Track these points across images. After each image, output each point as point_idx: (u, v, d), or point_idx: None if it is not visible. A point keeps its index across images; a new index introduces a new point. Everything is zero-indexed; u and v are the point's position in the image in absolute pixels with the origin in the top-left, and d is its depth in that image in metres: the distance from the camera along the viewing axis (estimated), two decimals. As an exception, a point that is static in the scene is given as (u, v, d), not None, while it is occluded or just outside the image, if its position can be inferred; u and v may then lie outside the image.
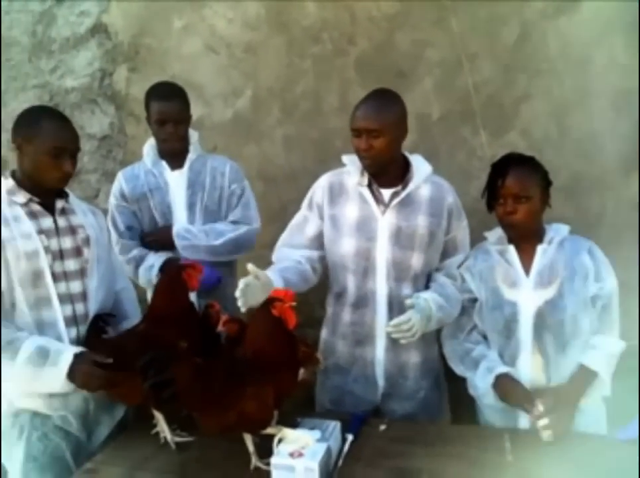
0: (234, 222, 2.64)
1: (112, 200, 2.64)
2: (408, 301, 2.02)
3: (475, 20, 2.80)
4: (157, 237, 2.55)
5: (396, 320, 1.97)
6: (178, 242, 2.50)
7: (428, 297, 2.05)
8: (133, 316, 2.17)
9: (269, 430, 1.68)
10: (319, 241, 2.20)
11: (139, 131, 3.22)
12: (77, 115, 3.37)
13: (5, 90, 3.51)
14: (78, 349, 1.87)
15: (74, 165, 1.94)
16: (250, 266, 1.89)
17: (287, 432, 1.68)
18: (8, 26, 3.51)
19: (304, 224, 2.22)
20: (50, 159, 1.87)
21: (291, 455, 1.60)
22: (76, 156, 1.96)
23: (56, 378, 1.81)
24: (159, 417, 1.92)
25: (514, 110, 2.80)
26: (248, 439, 1.74)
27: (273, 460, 1.60)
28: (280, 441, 1.66)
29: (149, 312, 2.09)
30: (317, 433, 1.70)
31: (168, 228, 2.53)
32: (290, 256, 2.17)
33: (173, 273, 2.10)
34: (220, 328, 1.94)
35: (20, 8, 3.46)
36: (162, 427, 1.91)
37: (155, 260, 2.54)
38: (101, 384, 1.81)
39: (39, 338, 1.84)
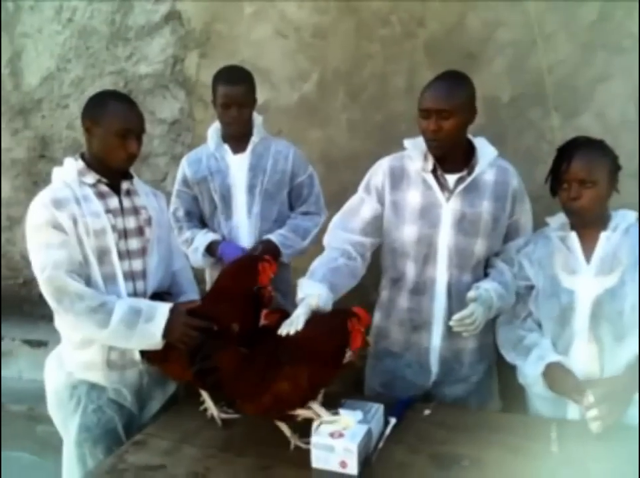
0: (306, 213, 2.68)
1: (175, 185, 2.73)
2: (471, 294, 1.96)
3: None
4: (262, 254, 2.48)
5: (458, 315, 1.92)
6: (285, 251, 2.55)
7: (489, 287, 1.99)
8: (190, 293, 2.21)
9: (302, 412, 1.68)
10: (373, 226, 2.14)
11: (207, 115, 3.26)
12: (149, 101, 3.48)
13: (83, 77, 3.66)
14: (170, 304, 1.92)
15: (139, 146, 1.99)
16: (314, 302, 1.83)
17: (321, 412, 1.66)
18: (89, 16, 3.65)
19: (360, 206, 2.15)
20: (117, 139, 1.92)
21: (331, 435, 1.58)
22: (141, 137, 2.01)
23: (152, 333, 1.86)
24: (205, 395, 1.95)
25: (590, 92, 2.64)
26: (283, 425, 1.73)
27: (313, 439, 1.59)
28: (320, 423, 1.65)
29: (211, 291, 2.12)
30: (358, 415, 1.67)
31: (268, 241, 2.54)
32: (341, 244, 2.10)
33: (247, 262, 2.13)
34: (262, 321, 1.95)
35: (103, -1, 3.60)
36: (209, 404, 1.94)
37: (199, 243, 2.60)
38: (197, 335, 1.85)
39: (128, 299, 1.92)
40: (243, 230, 2.61)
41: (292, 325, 1.71)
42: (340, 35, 3.08)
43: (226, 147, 2.64)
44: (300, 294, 1.89)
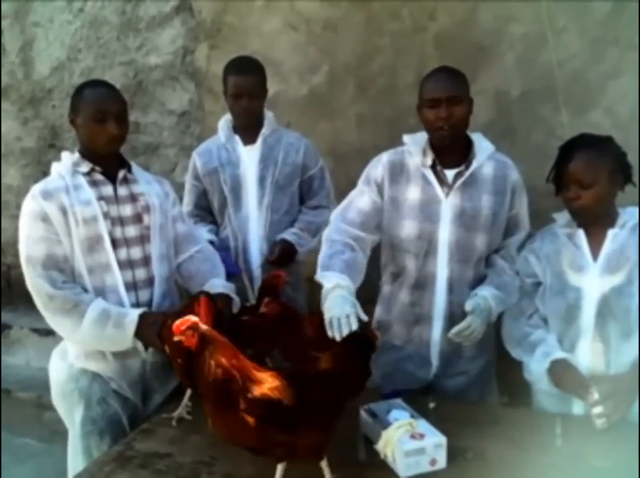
0: (317, 207, 2.69)
1: (186, 178, 2.74)
2: (468, 307, 1.97)
3: (565, -7, 2.64)
4: (281, 254, 2.52)
5: (456, 329, 1.95)
6: (299, 250, 2.57)
7: (487, 295, 2.00)
8: (215, 277, 2.19)
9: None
10: (372, 220, 2.12)
11: (217, 107, 3.27)
12: (159, 92, 3.50)
13: (93, 67, 3.68)
14: (140, 310, 1.92)
15: (122, 128, 1.97)
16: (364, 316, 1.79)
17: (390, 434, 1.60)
18: (100, 6, 3.67)
19: (359, 198, 2.14)
20: (95, 123, 1.91)
21: (413, 437, 1.57)
22: (125, 119, 1.99)
23: (122, 339, 1.88)
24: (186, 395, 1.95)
25: (601, 87, 2.63)
26: (325, 468, 1.55)
27: (405, 448, 1.53)
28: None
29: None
30: (404, 414, 1.69)
31: (283, 240, 2.55)
32: (343, 237, 2.08)
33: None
34: (262, 309, 1.96)
35: (114, -11, 3.61)
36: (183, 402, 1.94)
37: None
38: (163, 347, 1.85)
39: (102, 301, 1.90)
40: (254, 221, 2.60)
41: (344, 326, 1.67)
42: (350, 28, 3.08)
43: (237, 138, 2.63)
44: (328, 284, 1.87)
